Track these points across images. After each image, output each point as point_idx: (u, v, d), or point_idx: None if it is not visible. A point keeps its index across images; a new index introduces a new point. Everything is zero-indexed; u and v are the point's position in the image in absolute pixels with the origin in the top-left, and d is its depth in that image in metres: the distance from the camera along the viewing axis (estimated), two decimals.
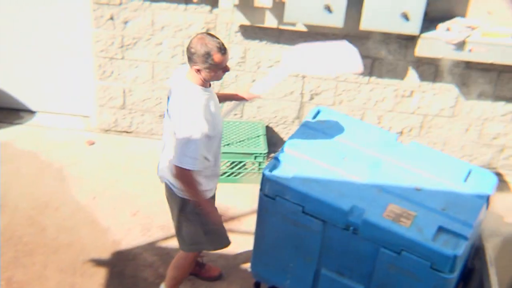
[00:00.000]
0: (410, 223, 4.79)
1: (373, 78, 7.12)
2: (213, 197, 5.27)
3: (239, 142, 7.07)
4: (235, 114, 7.43)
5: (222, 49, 4.65)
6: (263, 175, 5.15)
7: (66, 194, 6.86)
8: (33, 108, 7.93)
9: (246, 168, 7.05)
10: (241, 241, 6.16)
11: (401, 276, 4.87)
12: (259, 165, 7.02)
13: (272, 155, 5.42)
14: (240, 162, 7.00)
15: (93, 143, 7.59)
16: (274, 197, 5.09)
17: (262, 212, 5.27)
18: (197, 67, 4.67)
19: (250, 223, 6.15)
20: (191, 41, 4.68)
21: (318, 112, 5.76)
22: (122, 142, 7.65)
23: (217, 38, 4.67)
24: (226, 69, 4.79)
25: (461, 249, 4.68)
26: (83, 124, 7.85)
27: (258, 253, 5.57)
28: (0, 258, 6.05)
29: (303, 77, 7.14)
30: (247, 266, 6.03)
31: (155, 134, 7.62)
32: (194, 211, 5.07)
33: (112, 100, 7.53)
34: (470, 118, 7.27)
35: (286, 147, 5.38)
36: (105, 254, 6.22)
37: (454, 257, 4.64)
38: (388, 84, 7.14)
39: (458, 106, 7.20)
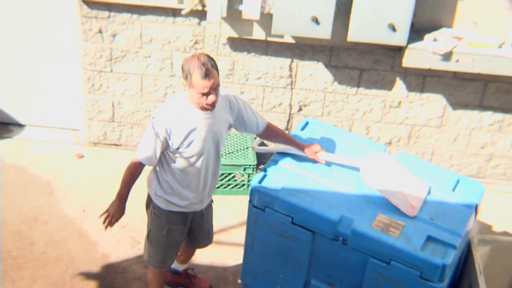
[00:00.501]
0: (399, 233, 4.80)
1: (361, 89, 7.15)
2: (184, 217, 5.15)
3: (228, 154, 7.08)
4: None
5: (205, 74, 4.47)
6: (252, 186, 5.16)
7: (54, 208, 6.85)
8: (21, 121, 7.92)
9: (235, 180, 7.06)
10: (230, 252, 6.17)
11: (390, 286, 4.87)
12: (248, 176, 7.03)
13: (261, 166, 5.42)
14: (229, 173, 7.00)
15: (82, 156, 7.58)
16: (263, 208, 5.10)
17: (251, 223, 5.27)
18: (183, 83, 4.65)
19: (239, 234, 6.15)
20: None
21: (306, 124, 5.77)
22: (111, 155, 7.64)
23: (207, 63, 4.49)
24: (205, 96, 4.56)
25: (450, 258, 4.69)
26: (72, 137, 7.84)
27: (247, 265, 5.57)
28: None
29: (292, 88, 7.17)
30: (237, 277, 6.04)
31: None
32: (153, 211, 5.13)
33: (101, 113, 7.53)
34: (458, 128, 7.30)
35: (274, 158, 5.39)
36: (95, 267, 6.21)
37: (443, 266, 4.65)
38: (375, 95, 7.17)
39: (445, 116, 7.24)
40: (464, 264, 5.32)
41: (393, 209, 4.99)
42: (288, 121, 7.37)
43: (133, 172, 4.92)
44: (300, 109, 7.31)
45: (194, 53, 4.68)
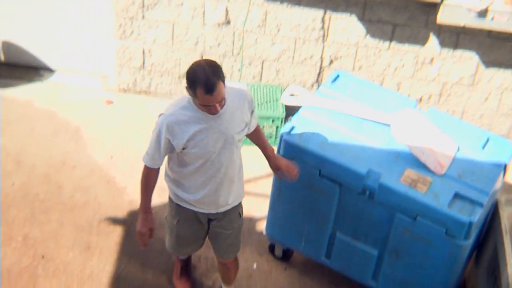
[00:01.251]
0: (426, 189, 4.79)
1: (393, 44, 7.08)
2: (195, 216, 4.93)
3: (257, 105, 7.05)
4: (253, 78, 7.41)
5: (210, 89, 4.20)
6: (281, 137, 5.16)
7: (83, 153, 6.89)
8: (52, 66, 7.93)
9: (264, 132, 7.04)
10: (256, 204, 6.17)
11: (416, 242, 4.88)
12: (277, 128, 7.01)
13: (290, 118, 5.39)
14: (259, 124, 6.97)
15: (111, 103, 7.59)
16: (291, 159, 5.09)
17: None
18: (187, 86, 4.36)
19: (265, 186, 6.15)
20: (194, 62, 4.38)
21: (337, 77, 5.73)
22: (140, 102, 7.64)
23: (213, 78, 4.21)
24: (211, 110, 4.34)
25: (477, 216, 4.68)
26: (102, 83, 7.84)
27: (273, 216, 5.59)
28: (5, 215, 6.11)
29: (324, 41, 7.11)
30: (262, 229, 6.07)
31: (174, 95, 7.61)
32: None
33: (132, 60, 7.52)
34: (490, 87, 7.22)
35: (303, 110, 5.37)
36: (121, 214, 6.25)
37: (469, 224, 4.65)
38: (408, 50, 7.09)
39: (478, 75, 7.15)
40: (490, 223, 5.29)
41: (422, 166, 4.96)
42: (319, 74, 7.32)
43: (146, 178, 4.75)
44: (331, 63, 7.25)
45: (199, 61, 4.35)
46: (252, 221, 6.23)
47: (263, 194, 6.25)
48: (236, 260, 5.30)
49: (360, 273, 5.39)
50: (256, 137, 5.00)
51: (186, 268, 5.69)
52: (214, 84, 4.20)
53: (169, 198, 4.96)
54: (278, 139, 5.32)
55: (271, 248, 5.93)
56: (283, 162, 5.02)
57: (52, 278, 5.76)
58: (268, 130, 7.03)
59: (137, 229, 4.85)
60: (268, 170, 5.15)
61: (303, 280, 5.84)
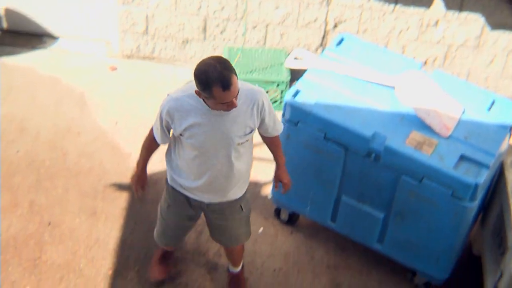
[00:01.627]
0: (432, 151, 4.78)
1: (398, 7, 7.03)
2: (187, 201, 4.83)
3: (262, 69, 7.02)
4: (257, 42, 7.38)
5: (225, 85, 4.09)
6: (285, 101, 5.14)
7: (87, 120, 6.88)
8: (55, 33, 7.89)
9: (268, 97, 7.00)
10: (261, 168, 6.17)
11: (421, 204, 4.88)
12: (281, 93, 6.99)
13: (295, 82, 5.37)
14: (264, 88, 6.92)
15: (115, 69, 7.57)
16: (296, 123, 5.08)
17: (284, 139, 5.26)
18: (197, 90, 4.26)
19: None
20: (200, 62, 4.23)
21: (342, 40, 5.70)
22: (144, 68, 7.61)
23: (227, 72, 4.10)
24: (229, 105, 4.22)
25: (483, 178, 4.68)
26: (105, 49, 7.81)
27: None
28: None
29: (328, 4, 7.06)
30: (267, 193, 6.07)
31: (178, 61, 7.59)
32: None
33: (135, 26, 7.48)
34: (495, 49, 7.17)
35: (308, 74, 5.34)
36: (126, 179, 6.24)
37: (475, 185, 4.65)
38: (413, 13, 7.04)
39: (483, 37, 7.11)
40: (496, 185, 5.29)
41: (427, 128, 4.95)
42: (323, 38, 7.28)
43: (148, 141, 4.78)
44: (336, 26, 7.21)
45: (206, 60, 4.19)
46: (258, 185, 6.23)
47: (268, 158, 6.23)
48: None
49: (365, 236, 5.40)
50: (271, 143, 4.89)
51: (167, 257, 5.58)
52: (229, 79, 4.09)
53: (166, 180, 4.91)
54: (283, 104, 5.29)
55: (277, 212, 5.93)
56: (287, 177, 4.97)
57: (58, 244, 5.77)
58: (273, 94, 7.00)
59: (132, 183, 5.01)
60: None
61: (309, 244, 5.85)
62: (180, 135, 4.45)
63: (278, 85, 6.95)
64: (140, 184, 4.98)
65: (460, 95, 5.23)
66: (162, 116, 4.45)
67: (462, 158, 4.77)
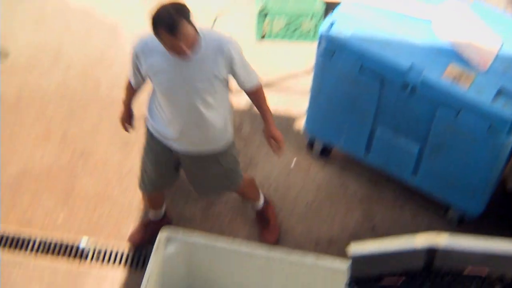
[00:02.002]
0: (469, 84, 4.71)
1: None
2: (161, 147, 4.75)
3: (296, 1, 6.92)
4: None
5: (171, 28, 3.97)
6: (321, 32, 5.07)
7: (119, 51, 6.82)
8: None
9: (302, 28, 6.93)
10: (293, 101, 6.14)
11: (458, 137, 4.83)
12: (316, 25, 6.89)
13: (329, 14, 5.29)
14: (297, 19, 6.86)
15: None
16: (332, 54, 5.02)
17: (319, 70, 5.22)
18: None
19: (304, 82, 6.07)
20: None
21: None
22: None
23: (177, 12, 3.99)
24: (180, 53, 4.11)
25: None
26: None
27: (313, 112, 5.55)
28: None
29: None
30: (300, 126, 6.04)
31: None
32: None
33: None
34: None
35: (343, 7, 5.25)
36: None
37: None
38: None
39: None
40: None
41: (465, 62, 4.86)
42: None
43: (128, 82, 4.81)
44: None
45: (166, 1, 4.10)
46: (290, 118, 6.20)
47: (301, 90, 6.20)
48: (248, 185, 5.25)
49: (399, 169, 5.37)
50: (253, 98, 4.69)
51: (150, 226, 5.43)
52: (177, 24, 3.96)
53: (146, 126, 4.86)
54: (317, 35, 5.22)
55: (310, 145, 5.90)
56: (278, 132, 4.75)
57: (91, 174, 5.81)
58: (307, 26, 6.91)
59: (119, 120, 5.10)
60: (306, 66, 5.06)
61: (342, 177, 5.84)
62: (149, 77, 4.43)
63: (312, 16, 6.86)
64: (127, 121, 5.05)
65: (499, 28, 5.12)
66: (132, 58, 4.45)
67: (500, 92, 4.69)
